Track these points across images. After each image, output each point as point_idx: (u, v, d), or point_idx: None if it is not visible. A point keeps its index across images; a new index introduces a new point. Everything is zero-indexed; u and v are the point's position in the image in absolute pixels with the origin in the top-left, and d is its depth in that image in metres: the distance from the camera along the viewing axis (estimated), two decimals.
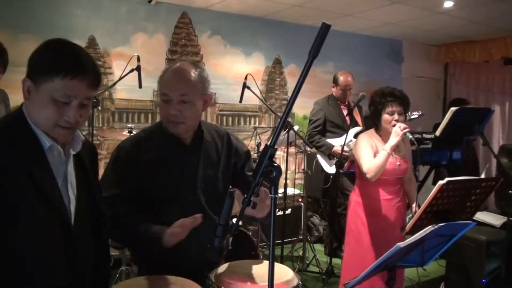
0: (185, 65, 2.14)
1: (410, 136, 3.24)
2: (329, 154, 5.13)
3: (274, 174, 1.46)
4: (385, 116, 3.28)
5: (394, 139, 3.16)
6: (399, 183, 3.43)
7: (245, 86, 4.44)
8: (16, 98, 4.16)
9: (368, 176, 3.19)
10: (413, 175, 3.58)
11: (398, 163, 3.31)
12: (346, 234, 3.58)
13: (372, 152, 3.25)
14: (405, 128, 3.16)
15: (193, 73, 2.10)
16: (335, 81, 5.38)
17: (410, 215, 3.45)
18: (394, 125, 3.21)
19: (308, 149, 5.01)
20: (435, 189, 2.69)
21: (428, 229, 2.02)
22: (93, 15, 5.32)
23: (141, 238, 1.99)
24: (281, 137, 4.78)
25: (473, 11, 6.04)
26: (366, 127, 4.91)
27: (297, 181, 6.26)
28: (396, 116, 3.25)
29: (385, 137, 3.29)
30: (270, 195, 1.47)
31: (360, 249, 3.39)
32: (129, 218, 2.04)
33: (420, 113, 5.10)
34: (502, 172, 3.83)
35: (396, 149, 3.31)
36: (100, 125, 5.46)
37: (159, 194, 2.10)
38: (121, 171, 2.08)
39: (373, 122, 3.44)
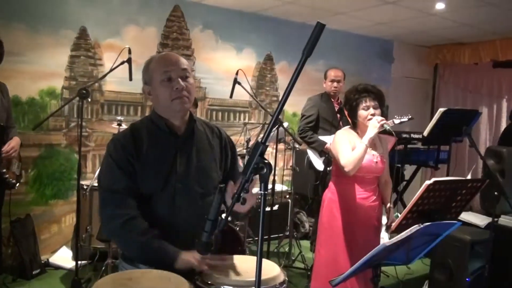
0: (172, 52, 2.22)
1: (388, 127, 3.24)
2: (321, 151, 5.15)
3: (265, 170, 1.47)
4: (361, 112, 3.31)
5: (371, 132, 3.19)
6: (375, 182, 3.45)
7: (236, 81, 4.44)
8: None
9: (346, 169, 3.19)
10: (389, 177, 3.60)
11: (375, 160, 3.33)
12: (319, 231, 3.57)
13: (350, 147, 3.27)
14: (382, 120, 3.20)
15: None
16: (325, 75, 5.43)
17: (397, 213, 3.48)
18: (370, 119, 3.25)
19: (297, 146, 5.03)
20: (421, 189, 2.71)
21: (414, 228, 2.05)
22: (85, 6, 5.27)
23: (153, 253, 1.99)
24: (271, 134, 4.79)
25: (464, 14, 6.08)
26: None
27: (285, 178, 6.28)
28: (372, 111, 3.28)
29: (362, 133, 3.30)
30: (259, 192, 1.48)
31: (333, 247, 3.39)
32: (143, 223, 2.02)
33: (410, 116, 5.14)
34: (488, 174, 3.86)
35: (373, 147, 3.35)
36: (89, 117, 5.42)
37: (153, 184, 2.08)
38: (122, 163, 2.06)
39: (350, 120, 3.47)
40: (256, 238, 4.76)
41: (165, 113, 2.15)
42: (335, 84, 5.31)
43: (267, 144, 1.50)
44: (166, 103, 2.10)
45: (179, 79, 2.08)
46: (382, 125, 3.19)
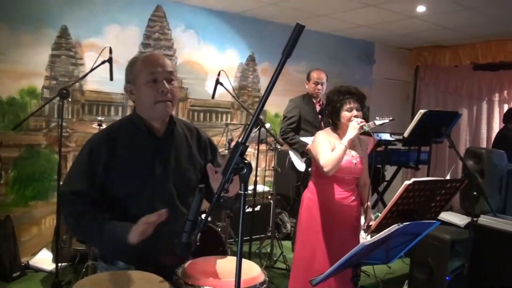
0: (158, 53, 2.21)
1: (367, 128, 3.30)
2: (302, 152, 5.17)
3: (245, 171, 1.47)
4: (344, 113, 3.35)
5: (351, 133, 3.23)
6: (354, 183, 3.49)
7: (218, 82, 4.43)
8: None
9: (326, 169, 3.23)
10: (368, 179, 3.64)
11: (354, 161, 3.38)
12: (298, 231, 3.60)
13: (330, 147, 3.31)
14: (361, 122, 3.24)
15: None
16: (308, 77, 5.45)
17: (377, 213, 3.51)
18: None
19: (279, 146, 5.04)
20: (401, 189, 2.74)
21: (393, 227, 2.06)
22: (67, 4, 5.22)
23: (106, 236, 1.97)
24: (252, 134, 4.79)
25: (444, 17, 6.15)
26: None
27: (267, 179, 6.28)
28: (354, 112, 3.33)
29: (342, 135, 3.34)
30: (240, 192, 1.48)
31: (311, 246, 3.41)
32: (94, 215, 2.00)
33: (391, 118, 5.18)
34: (468, 174, 3.91)
35: (352, 148, 3.40)
36: (70, 117, 5.37)
37: (130, 187, 2.07)
38: (88, 166, 2.04)
39: (331, 121, 3.50)
40: (238, 239, 4.79)
41: (146, 114, 2.14)
42: (318, 86, 5.33)
43: (247, 144, 1.50)
44: (149, 105, 2.08)
45: (165, 82, 2.07)
46: (361, 127, 3.24)
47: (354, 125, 3.24)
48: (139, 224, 1.92)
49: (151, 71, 2.07)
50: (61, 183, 4.37)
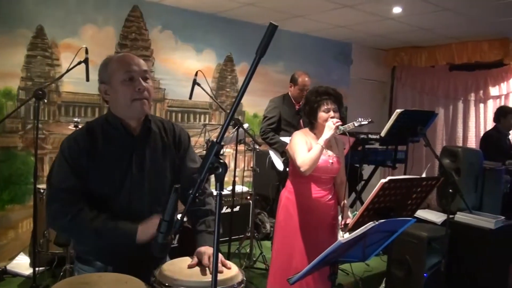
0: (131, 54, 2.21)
1: (343, 129, 3.38)
2: (282, 152, 5.19)
3: (220, 170, 1.47)
4: (321, 114, 3.39)
5: (327, 133, 3.27)
6: (331, 182, 3.54)
7: (195, 82, 4.43)
8: None
9: (302, 169, 3.25)
10: (345, 178, 3.68)
11: (330, 161, 3.42)
12: (275, 230, 3.63)
13: (307, 147, 3.34)
14: (337, 122, 3.28)
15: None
16: (294, 81, 5.42)
17: (355, 212, 3.54)
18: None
19: (257, 147, 5.05)
20: (377, 187, 2.76)
21: (369, 225, 2.08)
22: (42, 4, 5.15)
23: (110, 234, 1.97)
24: (230, 135, 4.80)
25: (421, 18, 6.22)
26: None
27: (246, 179, 6.29)
28: (331, 113, 3.37)
29: (319, 135, 3.37)
30: (216, 191, 1.48)
31: (289, 245, 3.44)
32: (90, 215, 1.99)
33: (370, 120, 5.23)
34: (444, 172, 3.96)
35: (329, 148, 3.44)
36: (46, 118, 5.30)
37: (106, 185, 2.06)
38: (73, 162, 2.03)
39: (308, 121, 3.53)
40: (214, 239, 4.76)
41: (123, 113, 2.13)
42: (304, 92, 5.35)
43: (222, 144, 1.50)
44: (126, 103, 2.07)
45: (141, 80, 2.07)
46: (337, 127, 3.28)
47: (330, 126, 3.28)
48: (151, 225, 1.93)
49: (127, 69, 2.06)
50: (44, 186, 4.37)
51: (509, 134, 6.53)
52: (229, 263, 2.02)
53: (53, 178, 2.08)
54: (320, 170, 3.35)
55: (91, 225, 1.97)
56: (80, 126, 4.35)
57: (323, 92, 3.42)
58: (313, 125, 3.48)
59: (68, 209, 1.99)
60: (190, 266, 1.97)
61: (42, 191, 4.42)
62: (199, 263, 1.99)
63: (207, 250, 2.04)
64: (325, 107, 3.38)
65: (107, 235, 1.97)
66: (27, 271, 4.67)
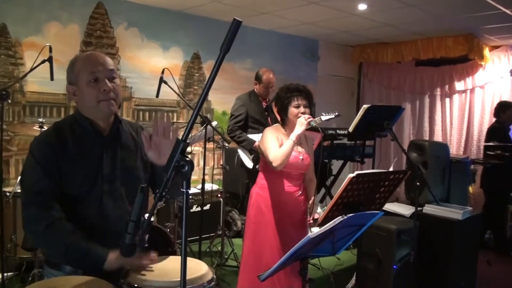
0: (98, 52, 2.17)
1: (315, 124, 3.42)
2: (250, 149, 5.18)
3: (186, 168, 1.46)
4: (292, 110, 3.43)
5: (299, 129, 3.30)
6: (301, 178, 3.58)
7: (161, 80, 4.38)
8: None
9: (274, 164, 3.27)
10: (314, 175, 3.73)
11: (301, 157, 3.46)
12: (246, 226, 3.64)
13: (278, 143, 3.37)
14: (308, 118, 3.33)
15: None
16: (258, 78, 5.42)
17: (325, 207, 3.56)
18: (300, 117, 3.36)
19: (227, 144, 5.03)
20: (345, 182, 2.79)
21: (338, 219, 2.08)
22: (5, 1, 5.03)
23: (79, 254, 1.93)
24: (198, 133, 4.77)
25: (386, 14, 6.29)
26: None
27: (216, 177, 6.26)
28: (302, 109, 3.41)
29: (290, 131, 3.41)
30: (182, 190, 1.47)
31: (260, 241, 3.46)
32: (63, 230, 1.95)
33: (336, 113, 5.24)
34: (411, 166, 4.02)
35: (299, 144, 3.49)
36: (11, 119, 5.18)
37: (77, 186, 2.02)
38: (45, 163, 1.98)
39: (279, 117, 3.57)
40: (189, 239, 4.75)
41: (90, 114, 2.09)
42: (269, 89, 5.36)
43: (188, 141, 1.49)
44: (92, 104, 2.04)
45: (106, 80, 2.04)
46: (309, 123, 3.32)
47: (301, 121, 3.31)
48: (123, 263, 1.91)
49: (91, 70, 2.03)
50: (10, 189, 4.27)
51: (509, 129, 6.63)
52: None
53: (26, 181, 2.03)
54: (290, 166, 3.38)
55: (64, 240, 1.93)
56: (45, 127, 4.28)
57: (293, 89, 3.46)
58: (284, 121, 3.52)
59: (44, 215, 1.94)
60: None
61: (8, 194, 4.31)
62: None
63: None
64: (296, 102, 3.42)
65: (77, 254, 1.93)
66: None
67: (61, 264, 2.04)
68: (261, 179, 3.58)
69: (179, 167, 1.45)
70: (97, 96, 2.02)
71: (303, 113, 3.39)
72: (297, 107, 3.41)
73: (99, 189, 2.05)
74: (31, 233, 2.07)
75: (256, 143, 5.01)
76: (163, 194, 1.51)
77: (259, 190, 3.53)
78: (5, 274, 4.05)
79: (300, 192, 3.54)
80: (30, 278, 4.10)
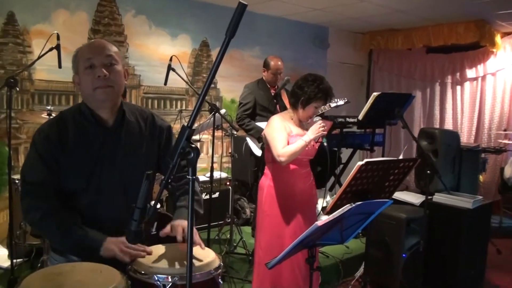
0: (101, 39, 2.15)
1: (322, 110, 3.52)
2: (259, 137, 5.16)
3: (192, 155, 1.44)
4: (311, 109, 3.39)
5: (314, 135, 3.26)
6: (309, 164, 3.60)
7: (170, 68, 4.35)
8: None
9: (281, 159, 3.26)
10: None
11: (312, 143, 3.42)
12: (260, 219, 3.59)
13: (285, 133, 3.34)
14: (322, 127, 3.28)
15: (111, 43, 2.10)
16: (266, 65, 5.39)
17: (334, 196, 3.55)
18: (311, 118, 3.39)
19: (235, 132, 5.01)
20: (354, 169, 2.77)
21: (346, 207, 2.07)
22: None
23: (77, 241, 1.93)
24: (207, 121, 4.75)
25: (397, 0, 6.20)
26: None
27: (224, 165, 6.26)
28: (318, 111, 3.44)
29: (297, 121, 3.42)
30: (188, 177, 1.45)
31: (278, 232, 3.45)
32: (60, 218, 1.96)
33: (346, 100, 5.19)
34: (421, 154, 3.99)
35: (305, 129, 3.46)
36: (19, 107, 5.19)
37: (78, 178, 2.01)
38: (44, 154, 1.98)
39: (295, 102, 3.45)
40: (197, 226, 4.76)
41: (89, 103, 2.07)
42: (277, 76, 5.33)
43: (193, 128, 1.47)
44: (89, 92, 2.02)
45: (102, 67, 2.00)
46: (322, 137, 3.30)
47: (315, 130, 3.26)
48: (115, 246, 1.91)
49: (87, 57, 2.00)
50: (19, 177, 4.28)
51: None
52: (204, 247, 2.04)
53: (25, 172, 2.04)
54: (301, 153, 3.36)
55: (59, 229, 1.95)
56: (53, 115, 4.28)
57: (324, 91, 3.35)
58: (296, 108, 3.45)
59: (41, 204, 1.95)
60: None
61: (17, 181, 4.32)
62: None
63: (181, 223, 2.06)
64: (319, 103, 3.38)
65: (73, 242, 1.94)
66: (5, 263, 4.60)
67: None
68: (270, 169, 3.55)
69: (185, 154, 1.43)
70: (92, 82, 1.99)
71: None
72: (317, 107, 3.40)
73: (97, 182, 2.03)
74: (28, 222, 2.09)
75: (263, 131, 5.00)
76: (169, 181, 1.50)
77: (270, 182, 3.51)
78: (15, 261, 4.07)
79: (311, 178, 3.57)
80: (39, 265, 4.13)
